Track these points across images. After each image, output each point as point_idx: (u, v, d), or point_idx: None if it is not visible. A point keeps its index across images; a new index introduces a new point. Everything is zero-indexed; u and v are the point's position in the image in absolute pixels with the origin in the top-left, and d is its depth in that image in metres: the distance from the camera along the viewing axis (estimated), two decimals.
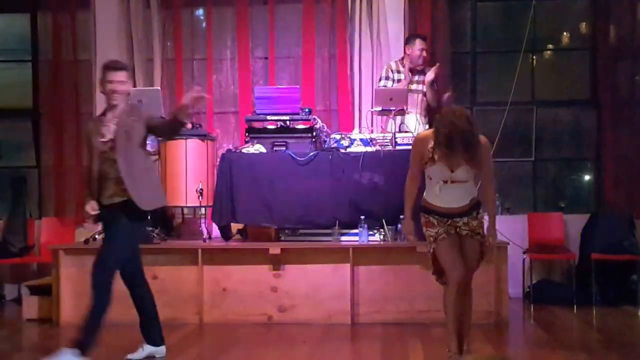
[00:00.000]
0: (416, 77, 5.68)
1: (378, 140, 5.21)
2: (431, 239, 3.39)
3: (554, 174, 6.61)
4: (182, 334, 4.60)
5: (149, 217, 3.97)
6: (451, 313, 3.41)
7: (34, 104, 6.62)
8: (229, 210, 5.08)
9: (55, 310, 4.96)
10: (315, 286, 4.87)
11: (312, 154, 5.10)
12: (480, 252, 3.43)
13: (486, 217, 3.48)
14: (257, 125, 5.37)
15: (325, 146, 5.27)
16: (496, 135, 6.05)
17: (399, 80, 5.65)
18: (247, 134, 5.36)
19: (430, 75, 5.61)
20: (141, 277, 3.87)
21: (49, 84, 6.40)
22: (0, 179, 6.61)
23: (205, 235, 5.33)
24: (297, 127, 5.29)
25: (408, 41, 5.71)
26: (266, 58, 6.43)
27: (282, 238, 5.16)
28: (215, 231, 5.39)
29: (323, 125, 5.48)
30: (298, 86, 5.69)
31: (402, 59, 5.72)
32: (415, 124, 5.50)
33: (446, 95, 5.56)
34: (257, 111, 5.36)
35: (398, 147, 5.12)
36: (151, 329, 3.86)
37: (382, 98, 5.33)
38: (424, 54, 5.63)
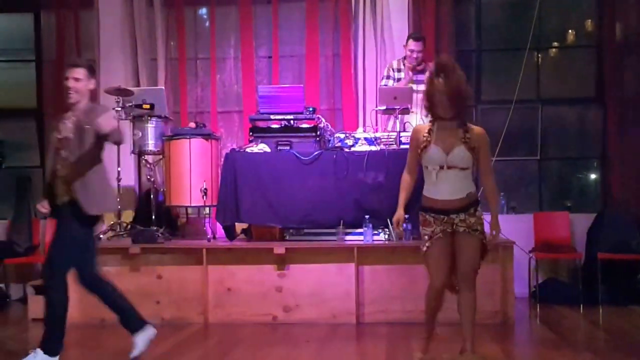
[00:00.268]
0: (418, 77, 5.65)
1: (382, 139, 5.19)
2: (426, 237, 3.40)
3: (560, 172, 6.58)
4: (187, 334, 4.59)
5: (98, 221, 3.81)
6: (426, 315, 3.52)
7: (38, 103, 6.63)
8: (233, 209, 5.07)
9: None
10: (320, 286, 4.85)
11: (316, 153, 5.09)
12: (480, 249, 3.40)
13: (487, 217, 3.47)
14: (261, 124, 5.36)
15: (330, 145, 5.26)
16: (501, 134, 6.04)
17: (399, 80, 5.63)
18: (251, 133, 5.35)
19: (428, 74, 5.56)
20: (98, 279, 3.75)
21: (52, 84, 6.40)
22: (5, 179, 6.61)
23: (209, 235, 5.32)
24: (301, 126, 5.28)
25: (406, 41, 5.69)
26: (270, 57, 6.42)
27: (287, 238, 5.14)
28: (220, 231, 5.38)
29: (327, 125, 5.47)
30: (302, 85, 5.67)
31: (404, 57, 5.70)
32: (417, 123, 5.47)
33: None
34: (261, 110, 5.35)
35: (402, 146, 5.09)
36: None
37: (386, 97, 5.31)
38: (418, 54, 5.55)
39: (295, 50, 6.43)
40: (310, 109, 5.31)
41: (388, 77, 5.67)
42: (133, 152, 5.63)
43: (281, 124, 5.30)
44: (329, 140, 5.31)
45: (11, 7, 6.72)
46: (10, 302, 6.15)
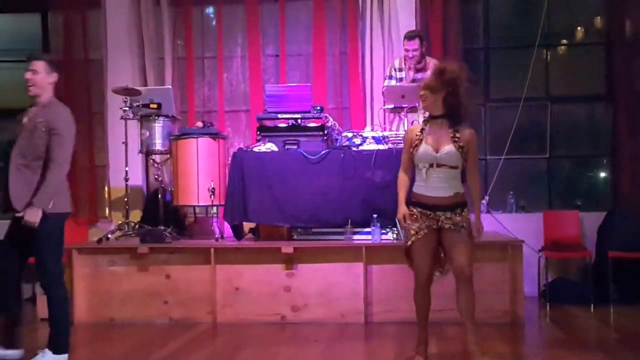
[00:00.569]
0: (418, 76, 5.60)
1: (390, 138, 5.17)
2: (412, 232, 3.49)
3: (570, 171, 6.53)
4: (195, 333, 4.59)
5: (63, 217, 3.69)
6: (417, 317, 3.61)
7: None
8: (241, 209, 5.06)
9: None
10: (328, 285, 4.84)
11: (323, 152, 5.07)
12: (469, 244, 3.45)
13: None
14: (268, 123, 5.35)
15: (337, 144, 5.24)
16: (510, 132, 6.00)
17: (400, 79, 5.60)
18: (258, 133, 5.34)
19: (428, 74, 5.53)
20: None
21: (60, 84, 6.38)
22: None
23: (217, 234, 5.32)
24: (308, 125, 5.26)
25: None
26: (277, 56, 6.41)
27: (295, 237, 5.13)
28: (228, 230, 5.38)
29: (335, 123, 5.45)
30: (309, 84, 5.65)
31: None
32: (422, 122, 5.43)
33: None
34: (268, 109, 5.34)
35: None
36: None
37: (393, 95, 5.27)
38: (414, 53, 5.44)
39: (302, 49, 6.41)
40: (318, 108, 5.29)
41: (390, 77, 5.64)
42: (141, 151, 5.63)
43: (288, 123, 5.28)
44: (337, 139, 5.29)
45: (18, 8, 6.74)
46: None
